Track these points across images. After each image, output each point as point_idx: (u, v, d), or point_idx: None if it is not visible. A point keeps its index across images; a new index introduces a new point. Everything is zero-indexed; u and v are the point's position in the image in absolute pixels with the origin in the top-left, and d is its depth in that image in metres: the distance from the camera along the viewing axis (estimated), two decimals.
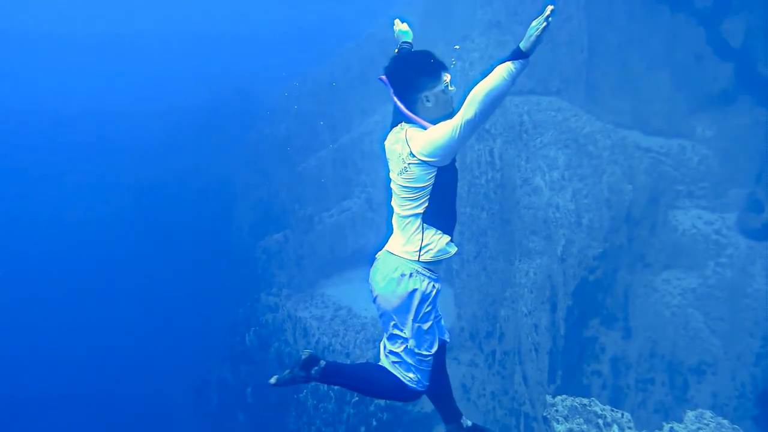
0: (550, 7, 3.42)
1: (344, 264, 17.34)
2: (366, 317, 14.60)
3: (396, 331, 4.06)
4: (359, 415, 11.46)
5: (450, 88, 3.91)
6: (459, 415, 4.54)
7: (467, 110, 3.57)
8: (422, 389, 4.11)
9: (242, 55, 29.40)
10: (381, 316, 4.20)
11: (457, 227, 12.59)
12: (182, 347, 19.17)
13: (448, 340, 4.37)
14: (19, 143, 27.87)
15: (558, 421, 6.50)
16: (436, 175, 3.84)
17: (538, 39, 3.48)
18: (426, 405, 11.82)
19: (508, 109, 12.78)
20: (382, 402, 11.54)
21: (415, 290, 3.92)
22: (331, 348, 13.40)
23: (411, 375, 4.05)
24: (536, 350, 11.35)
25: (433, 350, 4.06)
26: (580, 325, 11.59)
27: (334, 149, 18.73)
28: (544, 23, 3.45)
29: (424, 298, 3.95)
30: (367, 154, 18.15)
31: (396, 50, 4.54)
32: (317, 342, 13.56)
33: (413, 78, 3.91)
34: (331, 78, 20.22)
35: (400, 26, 4.68)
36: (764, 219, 11.09)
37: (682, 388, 11.18)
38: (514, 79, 3.53)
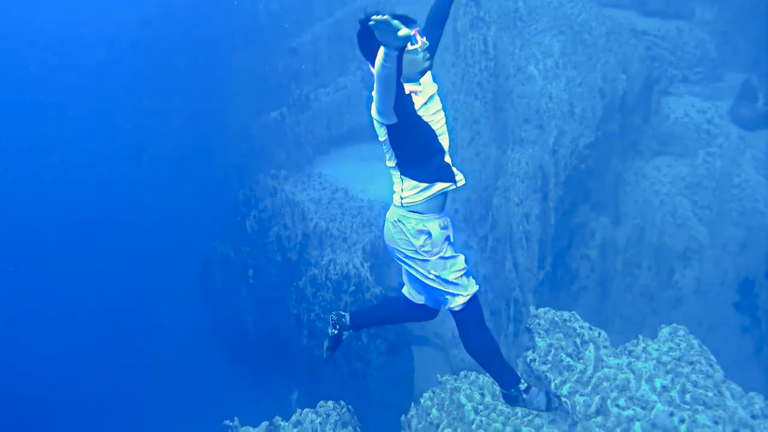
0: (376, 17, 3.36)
1: (341, 141, 17.39)
2: (363, 200, 14.82)
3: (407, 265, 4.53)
4: (356, 303, 11.90)
5: (411, 47, 3.94)
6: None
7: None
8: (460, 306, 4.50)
9: None
10: (394, 254, 4.59)
11: (451, 113, 12.44)
12: (188, 225, 19.55)
13: None
14: None
15: (539, 335, 6.81)
16: (389, 132, 4.08)
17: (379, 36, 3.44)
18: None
19: None
20: (377, 291, 11.99)
21: (409, 233, 4.31)
22: (328, 233, 13.71)
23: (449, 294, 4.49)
24: (527, 239, 11.64)
25: (453, 271, 4.42)
26: (570, 212, 11.82)
27: (329, 24, 18.26)
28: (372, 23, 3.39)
29: (418, 236, 4.31)
30: None
31: None
32: (315, 226, 13.85)
33: (374, 43, 3.96)
34: None
35: None
36: (758, 108, 11.06)
37: (668, 273, 11.54)
38: (384, 66, 3.56)
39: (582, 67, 11.52)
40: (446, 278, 4.39)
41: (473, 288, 4.50)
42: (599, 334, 6.56)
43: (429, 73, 4.29)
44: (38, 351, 19.55)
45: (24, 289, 20.62)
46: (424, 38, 4.01)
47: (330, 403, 7.10)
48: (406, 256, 4.44)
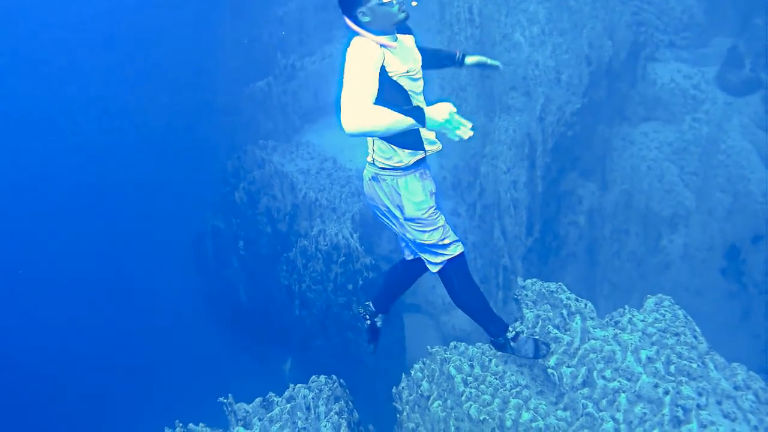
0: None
1: (329, 110, 17.28)
2: (351, 169, 14.79)
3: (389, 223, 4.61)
4: (346, 274, 11.99)
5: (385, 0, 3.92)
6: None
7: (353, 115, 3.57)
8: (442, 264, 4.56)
9: None
10: (374, 211, 4.65)
11: (437, 81, 12.35)
12: (179, 197, 19.53)
13: None
14: None
15: (527, 306, 6.88)
16: None
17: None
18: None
19: None
20: (367, 261, 12.06)
21: (384, 191, 4.35)
22: (317, 203, 13.71)
23: (431, 258, 4.55)
24: (515, 206, 11.70)
25: (429, 238, 4.44)
26: (558, 179, 11.87)
27: None
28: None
29: (394, 196, 4.33)
30: None
31: None
32: (304, 197, 13.84)
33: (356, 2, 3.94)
34: None
35: None
36: (744, 74, 11.05)
37: (655, 239, 11.62)
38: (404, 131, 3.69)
39: (568, 34, 11.48)
40: (422, 242, 4.43)
41: (455, 251, 4.51)
42: (586, 305, 6.63)
43: (416, 49, 4.29)
44: (30, 321, 19.67)
45: (17, 265, 20.67)
46: None
47: (322, 377, 7.17)
48: (383, 213, 4.49)
